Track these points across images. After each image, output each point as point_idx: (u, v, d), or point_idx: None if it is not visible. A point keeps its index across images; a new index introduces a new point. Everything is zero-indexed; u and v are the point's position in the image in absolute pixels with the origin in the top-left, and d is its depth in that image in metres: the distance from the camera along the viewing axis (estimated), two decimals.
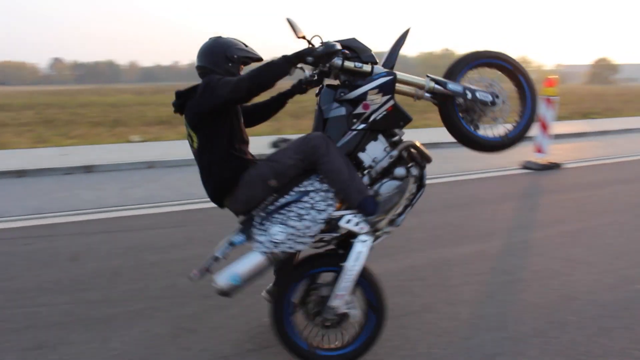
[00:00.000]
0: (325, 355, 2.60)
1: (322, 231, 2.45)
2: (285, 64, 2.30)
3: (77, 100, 30.06)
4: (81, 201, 6.21)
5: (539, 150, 8.79)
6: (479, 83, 2.67)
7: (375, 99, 2.48)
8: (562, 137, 12.01)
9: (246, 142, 2.60)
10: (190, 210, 5.82)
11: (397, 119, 2.54)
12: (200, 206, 5.87)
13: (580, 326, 3.10)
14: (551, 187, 7.19)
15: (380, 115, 2.50)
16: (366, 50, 2.51)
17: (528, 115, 2.72)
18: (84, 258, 4.27)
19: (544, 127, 8.76)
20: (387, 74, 2.49)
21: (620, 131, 13.61)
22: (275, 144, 2.72)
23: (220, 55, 2.51)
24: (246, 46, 2.61)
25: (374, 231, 2.43)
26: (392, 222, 2.48)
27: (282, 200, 2.42)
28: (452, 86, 2.57)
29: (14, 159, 8.64)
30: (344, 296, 2.45)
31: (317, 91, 2.68)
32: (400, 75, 2.53)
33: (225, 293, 2.43)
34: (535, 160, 8.68)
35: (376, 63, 2.51)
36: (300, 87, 2.78)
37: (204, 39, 2.61)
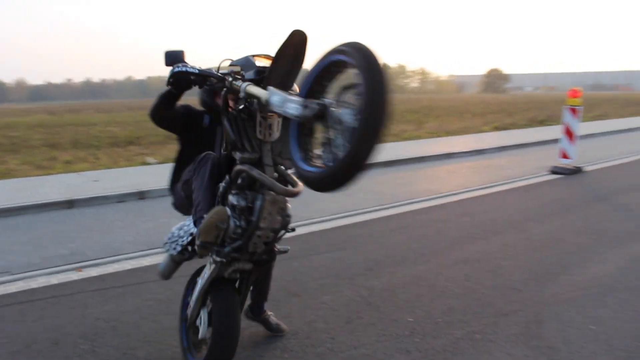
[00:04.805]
0: None
1: (191, 244, 2.57)
2: (164, 91, 2.48)
3: None
4: None
5: (565, 156, 9.39)
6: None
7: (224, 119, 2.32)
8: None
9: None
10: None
11: (228, 140, 2.31)
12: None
13: None
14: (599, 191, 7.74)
15: (225, 136, 2.34)
16: (251, 67, 2.28)
17: (354, 136, 1.61)
18: None
19: (570, 134, 9.37)
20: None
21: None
22: None
23: None
24: None
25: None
26: (215, 252, 2.35)
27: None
28: (272, 98, 1.95)
29: (46, 188, 7.75)
30: (191, 307, 2.61)
31: None
32: (251, 90, 2.12)
33: (158, 275, 2.93)
34: (563, 165, 9.28)
35: (253, 81, 2.19)
36: None
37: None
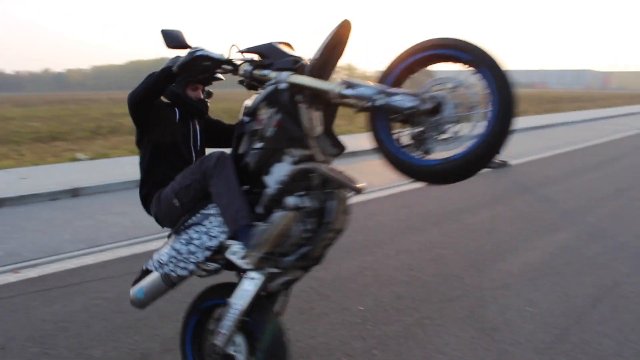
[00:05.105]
0: None
1: (211, 259, 2.22)
2: (157, 73, 2.21)
3: None
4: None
5: None
6: (438, 85, 1.77)
7: (265, 113, 2.04)
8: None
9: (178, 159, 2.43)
10: None
11: (286, 137, 2.00)
12: None
13: None
14: (526, 183, 8.29)
15: (271, 132, 2.02)
16: (282, 56, 2.05)
17: (489, 129, 1.65)
18: None
19: None
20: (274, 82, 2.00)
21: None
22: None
23: None
24: None
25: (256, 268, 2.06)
26: (275, 263, 2.07)
27: (189, 221, 2.25)
28: (358, 90, 1.83)
29: None
30: (225, 335, 2.17)
31: None
32: (298, 80, 1.94)
33: (133, 303, 2.39)
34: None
35: (293, 70, 1.99)
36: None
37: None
